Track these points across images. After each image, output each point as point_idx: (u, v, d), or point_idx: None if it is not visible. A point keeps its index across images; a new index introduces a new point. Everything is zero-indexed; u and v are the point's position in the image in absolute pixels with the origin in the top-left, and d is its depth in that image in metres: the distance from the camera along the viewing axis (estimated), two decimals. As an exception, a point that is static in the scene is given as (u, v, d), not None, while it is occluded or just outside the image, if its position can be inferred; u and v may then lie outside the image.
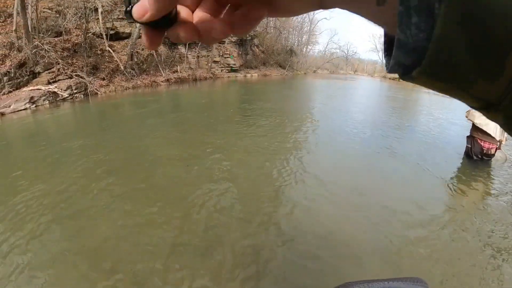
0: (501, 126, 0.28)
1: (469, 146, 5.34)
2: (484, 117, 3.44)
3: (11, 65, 9.87)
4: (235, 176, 4.59)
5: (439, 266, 2.88)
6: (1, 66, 9.69)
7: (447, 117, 10.69)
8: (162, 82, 16.73)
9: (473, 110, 5.14)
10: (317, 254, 2.90)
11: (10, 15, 11.17)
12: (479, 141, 5.16)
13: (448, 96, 0.21)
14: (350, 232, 3.34)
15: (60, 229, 3.06)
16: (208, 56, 22.55)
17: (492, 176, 5.13)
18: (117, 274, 2.52)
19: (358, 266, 2.81)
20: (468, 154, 5.45)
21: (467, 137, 5.41)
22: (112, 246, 2.86)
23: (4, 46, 10.32)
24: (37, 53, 10.83)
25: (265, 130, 7.33)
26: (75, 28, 13.48)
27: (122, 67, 14.35)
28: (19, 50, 10.42)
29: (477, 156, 5.29)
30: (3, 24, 11.45)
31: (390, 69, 0.27)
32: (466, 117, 5.33)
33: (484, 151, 5.22)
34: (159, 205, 3.61)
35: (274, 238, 3.14)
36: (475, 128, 5.15)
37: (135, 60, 15.71)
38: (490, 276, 2.79)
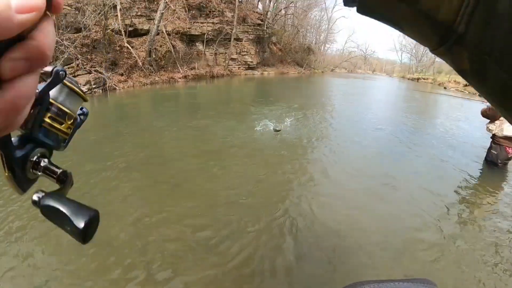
0: (465, 71, 0.30)
1: (495, 152, 5.23)
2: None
3: (31, 60, 9.93)
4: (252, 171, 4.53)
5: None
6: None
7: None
8: (180, 78, 16.72)
9: (498, 123, 4.99)
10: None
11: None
12: (506, 148, 5.11)
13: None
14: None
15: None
16: (225, 53, 22.48)
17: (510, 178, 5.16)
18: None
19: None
20: (492, 161, 5.34)
21: (493, 144, 5.29)
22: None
23: (25, 42, 10.40)
24: (57, 48, 10.90)
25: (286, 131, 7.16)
26: (94, 24, 13.54)
27: (140, 63, 14.37)
28: (40, 45, 10.49)
29: (502, 162, 5.21)
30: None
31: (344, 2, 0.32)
32: (489, 129, 5.27)
33: (509, 156, 5.18)
34: (174, 201, 3.57)
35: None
36: (501, 136, 5.08)
37: (153, 56, 15.72)
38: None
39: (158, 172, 4.42)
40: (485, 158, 5.61)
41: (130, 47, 14.29)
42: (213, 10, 22.18)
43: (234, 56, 23.55)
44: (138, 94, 12.08)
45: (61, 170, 0.40)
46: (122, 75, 13.06)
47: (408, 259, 2.87)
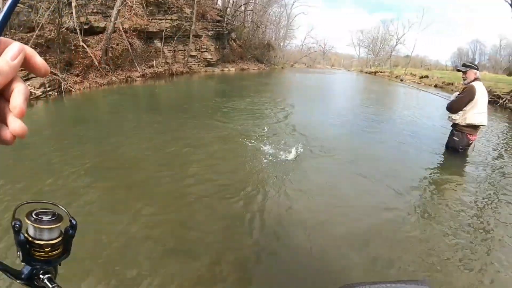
0: None
1: (457, 139, 5.77)
2: (476, 114, 5.03)
3: (-19, 63, 9.72)
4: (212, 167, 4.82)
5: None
6: (-29, 64, 9.54)
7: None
8: (138, 77, 16.72)
9: (461, 113, 5.57)
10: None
11: (-21, 10, 10.94)
12: (468, 135, 5.65)
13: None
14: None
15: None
16: (184, 50, 22.53)
17: (470, 161, 5.88)
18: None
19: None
20: (453, 147, 5.91)
21: (455, 131, 5.82)
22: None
23: (-26, 43, 10.13)
24: (9, 50, 10.70)
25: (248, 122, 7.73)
26: (48, 23, 13.27)
27: (96, 63, 14.27)
28: (-10, 47, 10.26)
29: (463, 147, 5.81)
30: (-28, 19, 11.21)
31: None
32: (452, 118, 5.77)
33: (470, 143, 5.77)
34: (136, 204, 3.63)
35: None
36: (464, 124, 5.63)
37: (110, 55, 15.62)
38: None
39: (118, 176, 4.45)
40: (446, 145, 6.11)
41: (85, 46, 14.12)
42: (172, 6, 22.08)
43: (194, 53, 23.66)
44: (95, 96, 12.14)
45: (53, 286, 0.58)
46: (77, 76, 12.95)
47: (374, 247, 3.12)
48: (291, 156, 5.40)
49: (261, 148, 5.81)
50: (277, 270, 2.75)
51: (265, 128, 7.35)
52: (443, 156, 6.09)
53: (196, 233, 3.19)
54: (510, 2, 15.35)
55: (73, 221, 0.62)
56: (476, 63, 6.18)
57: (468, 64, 5.76)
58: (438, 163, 5.84)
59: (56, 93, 11.17)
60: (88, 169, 4.62)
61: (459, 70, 6.01)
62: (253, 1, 35.88)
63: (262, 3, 37.78)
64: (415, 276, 2.69)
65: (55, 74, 11.61)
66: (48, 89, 10.93)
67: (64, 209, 0.61)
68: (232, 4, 32.63)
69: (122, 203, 3.70)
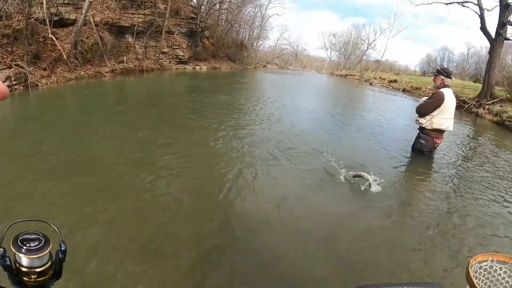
0: None
1: (423, 142, 6.01)
2: (442, 120, 5.45)
3: None
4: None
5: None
6: None
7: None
8: (107, 73, 16.63)
9: (428, 117, 5.70)
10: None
11: None
12: (434, 139, 5.92)
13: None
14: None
15: None
16: (156, 46, 22.51)
17: (435, 162, 6.28)
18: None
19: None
20: (419, 149, 6.16)
21: (422, 134, 6.05)
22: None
23: None
24: (-26, 40, 10.54)
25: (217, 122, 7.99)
26: (17, 12, 13.04)
27: (65, 57, 14.12)
28: (-47, 35, 10.08)
29: (429, 150, 6.12)
30: None
31: None
32: (419, 122, 6.00)
33: (435, 146, 6.10)
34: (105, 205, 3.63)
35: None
36: (430, 128, 5.89)
37: (79, 49, 15.45)
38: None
39: (84, 175, 4.38)
40: (412, 146, 6.28)
41: (54, 39, 13.96)
42: (145, 1, 22.03)
43: (165, 50, 23.65)
44: (63, 91, 12.08)
45: None
46: (45, 69, 12.78)
47: (344, 247, 3.25)
48: (261, 152, 5.79)
49: (234, 145, 6.11)
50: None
51: (238, 124, 7.81)
52: (409, 158, 6.33)
53: (165, 234, 3.22)
54: (479, 14, 16.55)
55: (63, 246, 0.63)
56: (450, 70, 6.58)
57: (438, 69, 5.99)
58: (403, 164, 6.14)
59: (22, 87, 11.06)
60: (52, 167, 4.56)
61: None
62: (227, 0, 36.06)
63: (237, 2, 37.99)
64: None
65: (21, 67, 11.47)
66: (14, 82, 10.83)
67: (56, 228, 0.63)
68: (207, 2, 32.70)
69: (86, 202, 3.64)
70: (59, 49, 13.98)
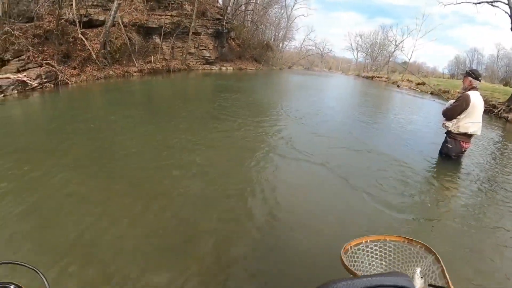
0: None
1: (450, 146, 5.77)
2: (469, 123, 5.11)
3: (-22, 51, 9.77)
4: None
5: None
6: (-32, 52, 9.57)
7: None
8: (135, 72, 16.75)
9: (454, 121, 5.54)
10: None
11: (-21, -1, 10.96)
12: (461, 143, 5.66)
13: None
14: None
15: (24, 223, 3.04)
16: (183, 47, 22.57)
17: (463, 168, 5.88)
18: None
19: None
20: (446, 154, 5.89)
21: (448, 138, 5.82)
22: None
23: (-28, 31, 10.17)
24: (7, 39, 10.71)
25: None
26: (48, 14, 13.30)
27: (94, 56, 14.28)
28: (-12, 36, 10.31)
29: (456, 154, 5.82)
30: (-29, 7, 11.22)
31: None
32: (445, 125, 5.77)
33: (463, 150, 5.80)
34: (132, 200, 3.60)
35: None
36: (457, 132, 5.63)
37: (108, 49, 15.61)
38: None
39: (114, 171, 4.37)
40: (440, 151, 6.05)
41: (84, 39, 14.12)
42: (172, 2, 22.20)
43: (192, 50, 23.70)
44: (92, 89, 12.13)
45: None
46: (75, 68, 12.96)
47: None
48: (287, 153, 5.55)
49: (262, 144, 5.94)
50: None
51: (264, 123, 7.51)
52: (435, 163, 6.07)
53: (192, 229, 3.17)
54: (510, 14, 15.48)
55: None
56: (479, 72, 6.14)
57: (467, 71, 5.73)
58: (430, 169, 5.80)
59: (52, 85, 11.18)
60: (78, 161, 4.60)
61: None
62: (253, 1, 36.00)
63: (262, 3, 37.89)
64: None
65: (52, 65, 11.60)
66: (45, 80, 10.93)
67: (44, 278, 0.56)
68: (233, 3, 32.69)
69: (113, 197, 3.65)
70: (88, 49, 14.14)
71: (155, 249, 2.81)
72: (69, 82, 11.99)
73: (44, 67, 11.29)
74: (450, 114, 5.59)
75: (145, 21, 19.39)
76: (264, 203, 3.81)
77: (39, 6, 12.75)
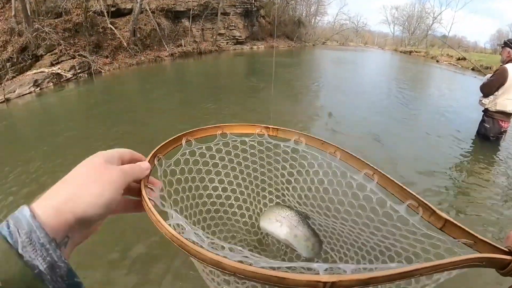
0: None
1: (488, 126, 5.22)
2: (507, 101, 4.69)
3: (13, 50, 9.93)
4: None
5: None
6: (3, 53, 9.77)
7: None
8: (166, 57, 16.63)
9: (492, 98, 4.97)
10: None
11: (9, 1, 11.14)
12: (499, 122, 5.10)
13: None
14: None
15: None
16: (213, 28, 22.19)
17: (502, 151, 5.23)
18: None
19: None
20: (484, 135, 5.35)
21: (486, 117, 5.27)
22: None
23: (5, 32, 10.36)
24: (38, 36, 10.83)
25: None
26: (75, 7, 13.37)
27: (125, 44, 14.27)
28: (20, 34, 10.45)
29: (494, 135, 5.24)
30: (2, 10, 11.46)
31: None
32: (482, 103, 5.25)
33: (502, 130, 5.19)
34: None
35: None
36: (494, 110, 5.09)
37: (138, 36, 15.56)
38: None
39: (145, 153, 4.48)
40: (477, 132, 5.56)
41: (113, 28, 14.14)
42: (198, -16, 21.78)
43: (222, 31, 23.26)
44: (125, 76, 12.11)
45: None
46: (107, 57, 13.00)
47: None
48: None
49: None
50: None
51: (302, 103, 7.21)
52: (472, 145, 5.45)
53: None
54: None
55: None
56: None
57: (505, 41, 5.03)
58: (466, 152, 5.22)
59: (86, 75, 11.26)
60: (115, 145, 4.57)
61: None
62: (281, -25, 34.72)
63: (291, -23, 36.50)
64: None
65: (84, 56, 11.67)
66: (78, 71, 11.01)
67: None
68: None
69: None
70: (118, 38, 14.15)
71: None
72: (102, 71, 12.04)
73: (76, 59, 11.37)
74: (487, 89, 5.03)
75: (172, 6, 19.13)
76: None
77: (65, 1, 12.82)
